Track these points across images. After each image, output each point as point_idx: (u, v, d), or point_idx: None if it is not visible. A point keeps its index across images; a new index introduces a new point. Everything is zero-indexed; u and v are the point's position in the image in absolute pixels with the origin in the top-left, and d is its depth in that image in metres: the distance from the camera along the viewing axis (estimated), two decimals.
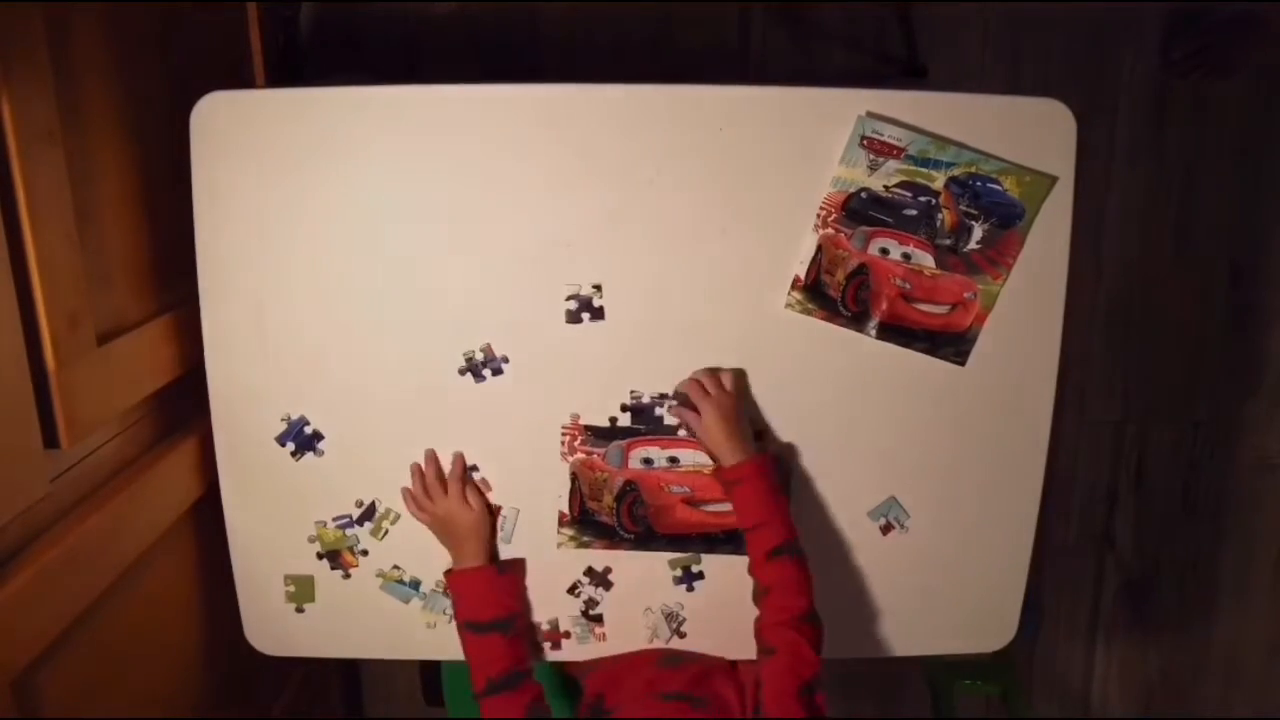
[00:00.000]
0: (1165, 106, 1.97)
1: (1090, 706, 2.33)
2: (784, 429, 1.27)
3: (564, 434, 1.26)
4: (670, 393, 1.25)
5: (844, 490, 1.29)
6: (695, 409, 1.21)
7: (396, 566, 1.30)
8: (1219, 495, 2.21)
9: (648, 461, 1.27)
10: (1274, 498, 2.20)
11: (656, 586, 1.31)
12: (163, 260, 1.29)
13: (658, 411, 1.26)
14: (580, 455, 1.27)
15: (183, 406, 1.32)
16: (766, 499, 1.19)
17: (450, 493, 1.24)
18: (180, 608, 1.34)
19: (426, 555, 1.28)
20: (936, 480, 1.29)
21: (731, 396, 1.21)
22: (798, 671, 1.11)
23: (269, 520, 1.28)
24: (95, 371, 1.10)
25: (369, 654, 1.28)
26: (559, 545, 1.30)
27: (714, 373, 1.23)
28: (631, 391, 1.25)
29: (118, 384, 1.17)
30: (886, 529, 1.30)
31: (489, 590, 1.24)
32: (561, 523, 1.29)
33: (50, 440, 1.02)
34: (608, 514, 1.29)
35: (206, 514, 1.31)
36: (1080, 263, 1.25)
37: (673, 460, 1.27)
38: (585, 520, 1.29)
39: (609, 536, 1.30)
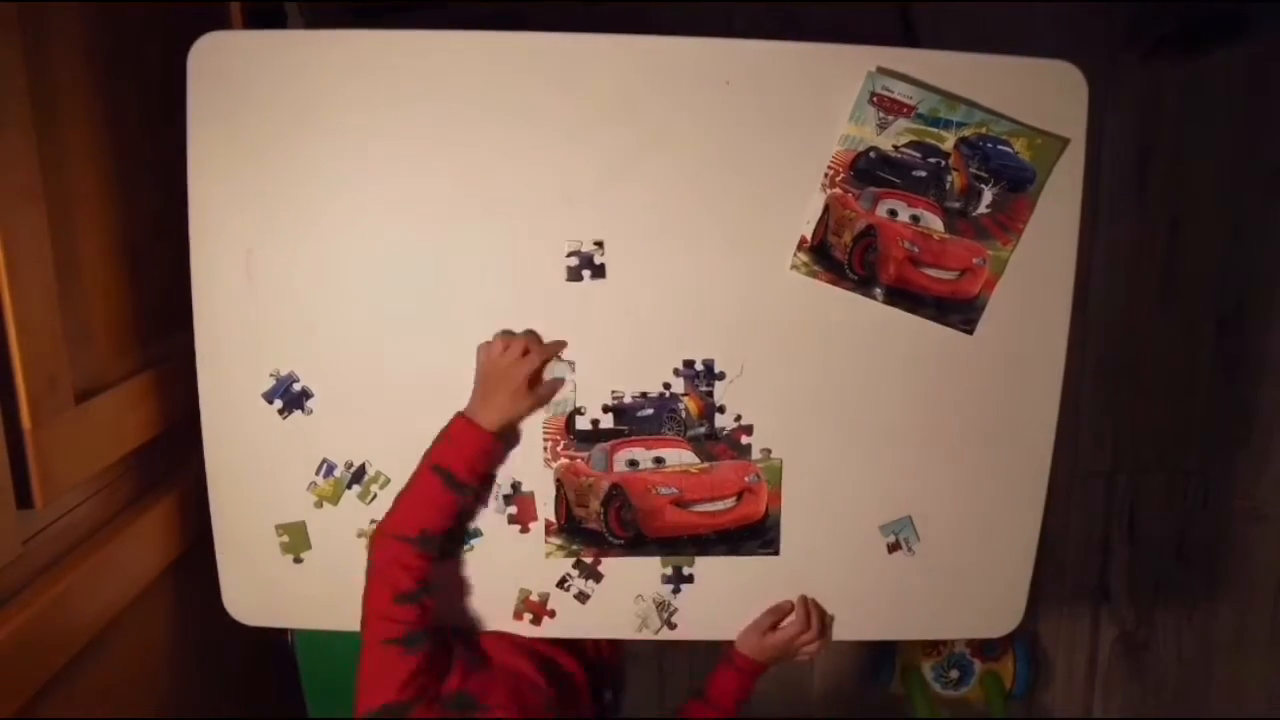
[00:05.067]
0: (1149, 158, 1.99)
1: None
2: (786, 394, 1.22)
3: (546, 437, 1.21)
4: (666, 383, 1.21)
5: (848, 458, 1.25)
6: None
7: None
8: (1212, 545, 2.18)
9: (633, 463, 1.23)
10: (1266, 546, 2.18)
11: (648, 577, 1.27)
12: (145, 317, 1.26)
13: (640, 412, 1.21)
14: (564, 460, 1.22)
15: (161, 464, 1.28)
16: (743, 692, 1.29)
17: (533, 357, 1.18)
18: (159, 670, 1.29)
19: None
20: (940, 451, 1.25)
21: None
22: None
23: (254, 481, 1.22)
24: (72, 430, 1.06)
25: (351, 625, 1.22)
26: (547, 555, 1.25)
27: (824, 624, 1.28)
28: (613, 392, 1.21)
29: (95, 443, 1.13)
30: (894, 542, 1.27)
31: (481, 456, 1.18)
32: (549, 531, 1.24)
33: (24, 500, 0.98)
34: (595, 520, 1.24)
35: (187, 571, 1.27)
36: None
37: (658, 460, 1.23)
38: (572, 528, 1.24)
39: (598, 544, 1.25)
